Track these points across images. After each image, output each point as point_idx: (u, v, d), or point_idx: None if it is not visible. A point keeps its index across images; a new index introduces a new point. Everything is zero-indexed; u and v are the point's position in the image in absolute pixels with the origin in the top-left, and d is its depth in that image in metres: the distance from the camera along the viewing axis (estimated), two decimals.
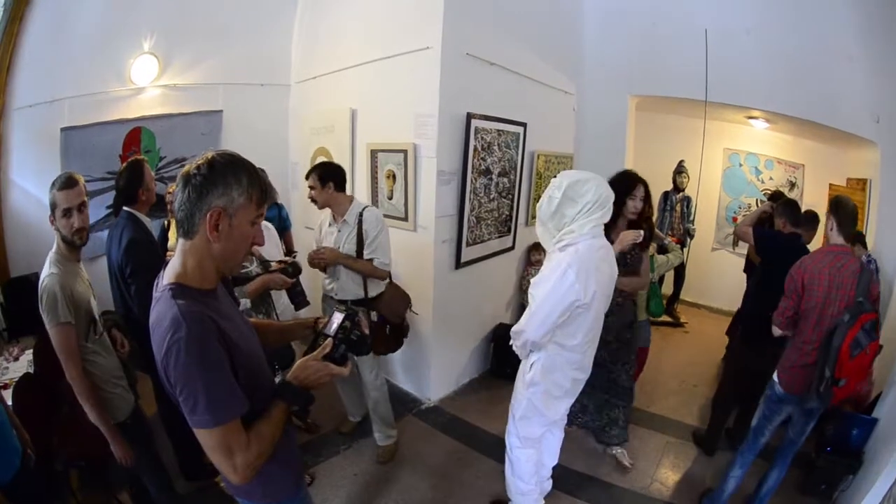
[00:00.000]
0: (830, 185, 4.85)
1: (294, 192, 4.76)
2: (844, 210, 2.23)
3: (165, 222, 3.14)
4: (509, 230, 4.18)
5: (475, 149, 3.48)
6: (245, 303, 2.21)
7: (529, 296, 1.98)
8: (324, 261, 2.67)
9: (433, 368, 3.69)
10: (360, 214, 2.68)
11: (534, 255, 4.46)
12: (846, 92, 3.78)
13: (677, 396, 3.90)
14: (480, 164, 3.59)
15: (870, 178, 4.05)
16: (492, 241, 3.98)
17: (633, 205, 2.58)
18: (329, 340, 1.22)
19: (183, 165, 1.14)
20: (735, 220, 5.83)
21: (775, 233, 3.02)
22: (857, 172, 4.40)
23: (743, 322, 3.15)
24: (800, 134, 5.10)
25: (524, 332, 1.95)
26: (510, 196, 4.06)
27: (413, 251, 3.51)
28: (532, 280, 2.00)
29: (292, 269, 2.47)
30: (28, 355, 2.66)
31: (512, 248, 4.29)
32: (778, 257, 2.76)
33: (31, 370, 2.48)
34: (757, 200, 5.62)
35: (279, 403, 1.15)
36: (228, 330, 1.08)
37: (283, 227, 3.98)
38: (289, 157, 4.81)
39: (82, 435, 2.06)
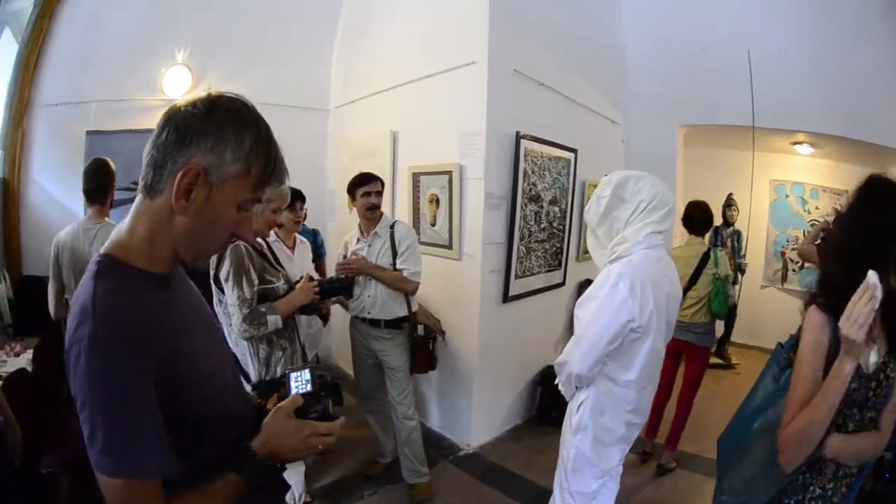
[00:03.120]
0: None
1: (331, 221, 4.56)
2: None
3: None
4: (560, 264, 3.91)
5: (525, 172, 3.26)
6: (276, 320, 1.95)
7: (575, 319, 1.71)
8: (352, 270, 2.56)
9: (475, 411, 3.33)
10: (392, 227, 2.67)
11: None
12: (888, 106, 3.68)
13: None
14: (530, 190, 3.37)
15: None
16: (541, 275, 3.70)
17: None
18: (300, 398, 0.89)
19: None
20: (783, 254, 5.59)
21: None
22: None
23: None
24: (841, 158, 4.95)
25: (567, 363, 1.68)
26: (561, 226, 3.81)
27: (457, 282, 3.26)
28: (578, 301, 1.73)
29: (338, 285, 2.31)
30: (30, 354, 2.54)
31: (562, 283, 4.00)
32: None
33: (29, 368, 2.36)
34: (804, 232, 5.33)
35: (233, 477, 0.80)
36: (176, 339, 0.77)
37: (318, 255, 3.73)
38: (326, 186, 4.63)
39: (74, 442, 1.86)
